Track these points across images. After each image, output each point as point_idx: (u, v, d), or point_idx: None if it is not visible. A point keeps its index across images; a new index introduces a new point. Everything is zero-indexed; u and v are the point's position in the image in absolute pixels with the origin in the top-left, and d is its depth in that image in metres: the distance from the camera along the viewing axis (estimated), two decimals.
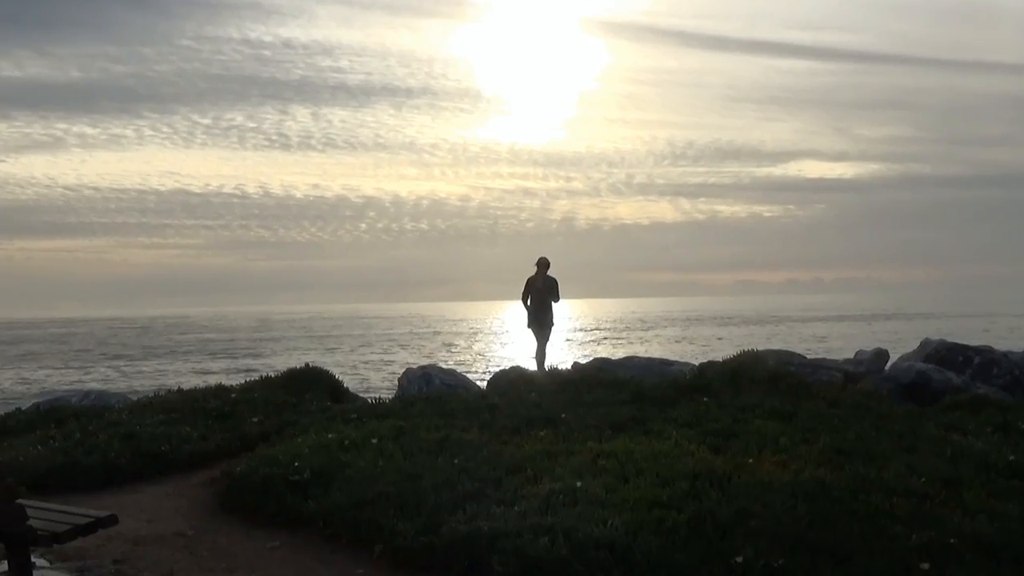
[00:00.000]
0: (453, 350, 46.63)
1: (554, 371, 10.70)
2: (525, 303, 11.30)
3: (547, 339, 11.27)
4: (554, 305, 11.33)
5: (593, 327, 74.61)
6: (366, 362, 38.25)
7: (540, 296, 11.21)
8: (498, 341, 55.72)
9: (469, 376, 12.47)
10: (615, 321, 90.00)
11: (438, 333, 68.93)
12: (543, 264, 11.26)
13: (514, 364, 12.12)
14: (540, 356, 11.19)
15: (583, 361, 12.05)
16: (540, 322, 11.21)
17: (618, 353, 40.16)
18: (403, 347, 49.97)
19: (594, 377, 9.78)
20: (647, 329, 68.35)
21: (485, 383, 11.38)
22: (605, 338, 57.13)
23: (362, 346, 51.27)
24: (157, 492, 6.72)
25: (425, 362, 14.06)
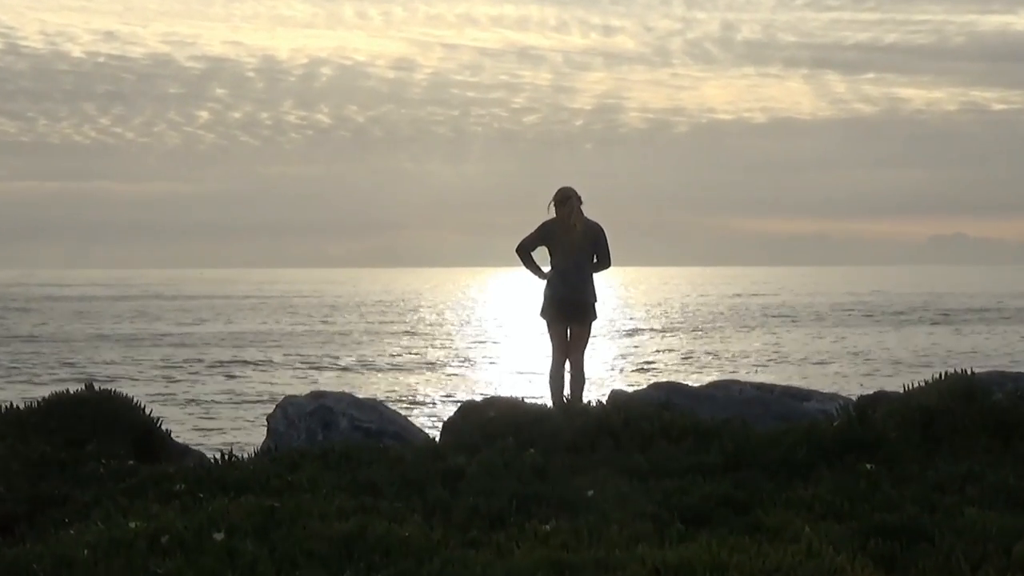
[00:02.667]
0: (378, 362, 46.81)
1: (577, 407, 10.88)
2: (526, 256, 11.53)
3: (582, 346, 11.52)
4: (596, 277, 11.63)
5: (652, 323, 74.89)
6: (209, 387, 38.32)
7: (573, 260, 11.40)
8: (468, 344, 56.18)
9: (409, 414, 12.50)
10: (695, 311, 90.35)
11: (348, 331, 69.00)
12: (570, 198, 11.39)
13: (498, 392, 12.23)
14: (576, 380, 11.41)
15: (631, 388, 12.19)
16: (570, 307, 11.42)
17: (700, 374, 40.19)
18: (280, 355, 50.10)
19: (653, 419, 9.83)
20: (757, 327, 68.56)
21: (439, 428, 11.64)
22: (672, 349, 57.51)
23: (198, 352, 51.37)
24: None
25: (325, 386, 14.23)
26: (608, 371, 41.11)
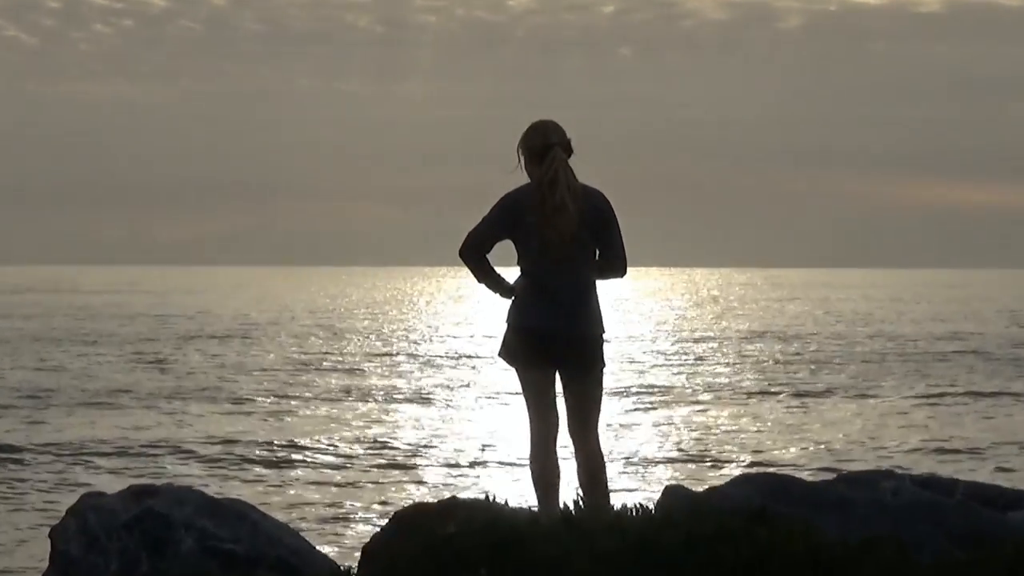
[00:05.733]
0: (248, 434, 46.22)
1: (600, 514, 10.61)
2: (478, 259, 11.24)
3: (592, 413, 11.40)
4: (602, 286, 11.56)
5: (737, 369, 74.44)
6: None
7: (562, 261, 11.32)
8: (407, 403, 56.68)
9: (304, 527, 12.81)
10: (810, 343, 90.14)
11: (191, 372, 68.42)
12: (552, 146, 11.14)
13: (460, 488, 12.06)
14: (590, 469, 11.35)
15: (698, 484, 12.30)
16: (558, 345, 11.33)
17: (822, 459, 39.24)
18: (68, 419, 49.58)
19: (739, 539, 9.74)
20: (923, 374, 67.95)
21: (358, 552, 12.05)
22: (773, 414, 57.26)
23: None
24: None
25: (155, 477, 14.23)
26: (656, 451, 40.78)
